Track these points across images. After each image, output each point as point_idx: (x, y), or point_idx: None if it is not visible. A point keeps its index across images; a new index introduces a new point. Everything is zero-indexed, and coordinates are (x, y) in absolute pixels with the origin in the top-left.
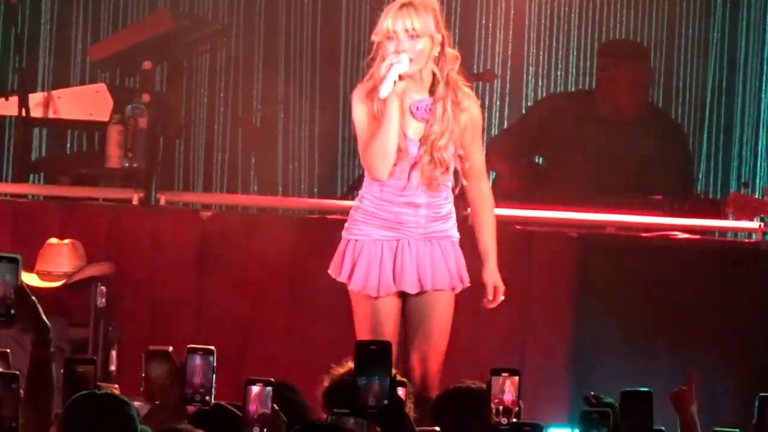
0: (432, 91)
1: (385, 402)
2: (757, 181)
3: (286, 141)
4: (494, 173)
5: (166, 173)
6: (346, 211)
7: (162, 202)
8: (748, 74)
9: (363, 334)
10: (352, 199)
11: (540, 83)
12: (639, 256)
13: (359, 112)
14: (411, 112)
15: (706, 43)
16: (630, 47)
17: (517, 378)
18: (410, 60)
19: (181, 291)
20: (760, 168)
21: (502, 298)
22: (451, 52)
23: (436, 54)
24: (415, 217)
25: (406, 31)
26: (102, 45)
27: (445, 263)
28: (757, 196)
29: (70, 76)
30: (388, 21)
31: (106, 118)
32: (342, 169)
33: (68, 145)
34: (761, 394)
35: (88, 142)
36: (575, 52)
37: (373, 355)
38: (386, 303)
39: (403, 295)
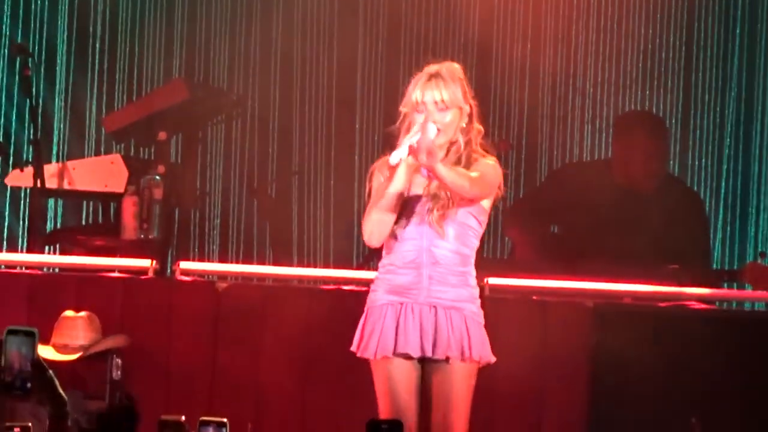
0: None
1: None
2: None
3: (301, 211)
4: (510, 240)
5: (182, 244)
6: (361, 282)
7: (177, 273)
8: (764, 144)
9: (380, 399)
10: (368, 269)
11: (555, 153)
12: (655, 326)
13: (374, 182)
14: (426, 174)
15: (723, 113)
16: (646, 119)
17: None
18: (438, 131)
19: (196, 362)
20: None
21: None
22: (477, 126)
23: (464, 125)
24: (417, 279)
25: (435, 103)
26: (116, 116)
27: (447, 332)
28: None
29: (85, 147)
30: (416, 92)
31: (121, 189)
32: (357, 239)
33: (83, 216)
34: None
35: (103, 213)
36: (589, 124)
37: None
38: (399, 369)
39: (421, 367)
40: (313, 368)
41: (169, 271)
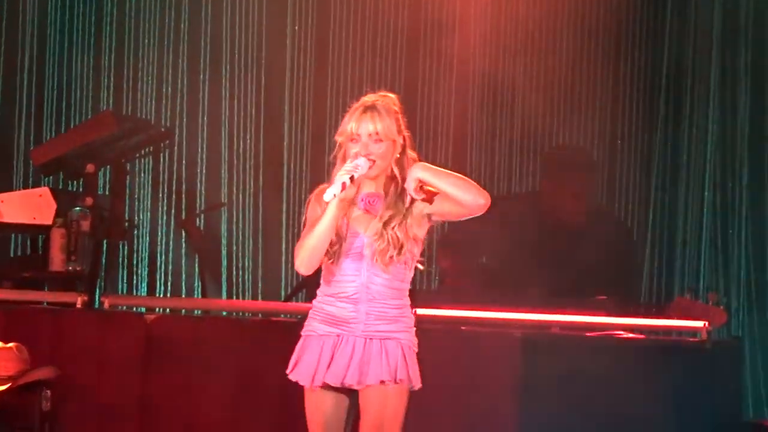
0: (385, 188)
1: None
2: (701, 285)
3: (230, 243)
4: (441, 270)
5: (110, 277)
6: (290, 313)
7: (106, 305)
8: (691, 177)
9: (310, 427)
10: (297, 300)
11: (483, 183)
12: (583, 355)
13: (311, 211)
14: (363, 207)
15: (650, 145)
16: (574, 155)
17: None
18: (372, 162)
19: (126, 393)
20: (703, 267)
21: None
22: (412, 154)
23: (398, 155)
24: (355, 314)
25: (369, 135)
26: (44, 148)
27: (381, 359)
28: (702, 302)
29: (13, 180)
30: (352, 124)
31: (49, 222)
32: (285, 272)
33: (11, 249)
34: None
35: (31, 245)
36: (518, 156)
37: None
38: (331, 398)
39: (355, 395)
40: (244, 399)
41: (97, 303)
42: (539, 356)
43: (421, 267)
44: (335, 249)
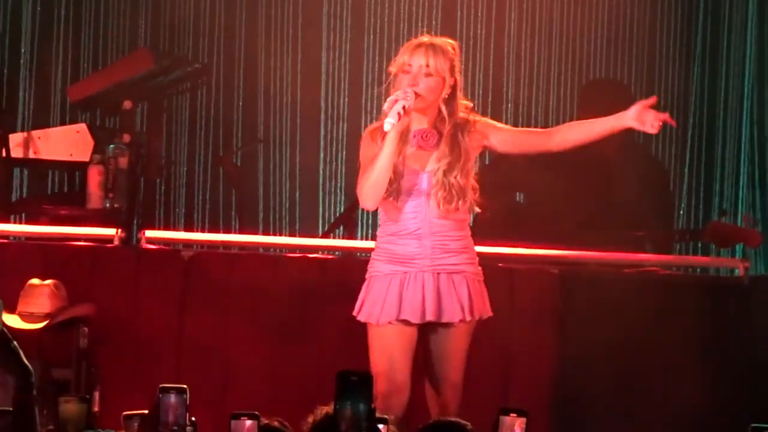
0: (436, 126)
1: (363, 430)
2: (739, 210)
3: (267, 180)
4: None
5: (147, 213)
6: (326, 249)
7: (143, 241)
8: (729, 107)
9: (377, 360)
10: (333, 237)
11: (520, 116)
12: (621, 292)
13: (365, 149)
14: (416, 143)
15: (687, 80)
16: (611, 86)
17: (524, 419)
18: (417, 95)
19: (163, 331)
20: (742, 197)
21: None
22: (465, 102)
23: (446, 96)
24: (420, 250)
25: (420, 67)
26: (81, 85)
27: (451, 297)
28: (738, 224)
29: (50, 117)
30: (405, 55)
31: (86, 159)
32: (323, 208)
33: (49, 186)
34: (753, 425)
35: (69, 182)
36: (555, 89)
37: (353, 385)
38: (397, 332)
39: (420, 328)
40: (281, 335)
41: (135, 239)
42: (576, 292)
43: (478, 210)
44: (393, 187)
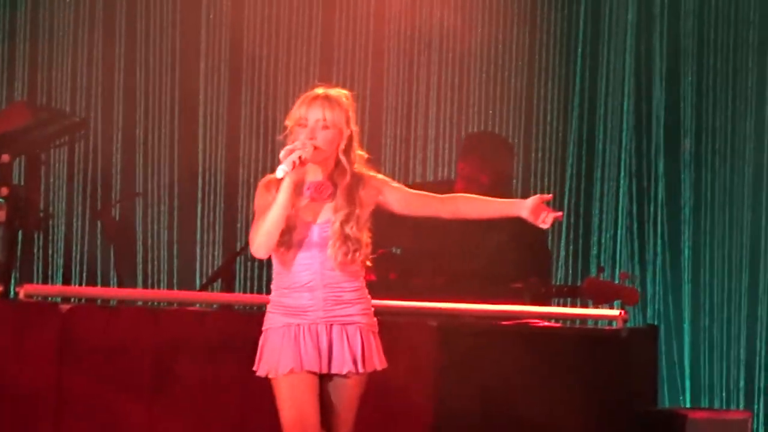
0: (331, 178)
1: None
2: (616, 267)
3: (146, 233)
4: None
5: (25, 267)
6: (204, 302)
7: (21, 295)
8: (606, 163)
9: (286, 412)
10: (212, 290)
11: (398, 173)
12: (499, 344)
13: (260, 198)
14: (310, 195)
15: (564, 133)
16: (492, 142)
17: None
18: (315, 148)
19: (42, 385)
20: (619, 255)
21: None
22: (359, 152)
23: (343, 147)
24: (313, 302)
25: (317, 121)
26: None
27: (343, 348)
28: (615, 281)
29: None
30: (302, 109)
31: None
32: (200, 261)
33: None
34: None
35: None
36: (433, 143)
37: None
38: (300, 380)
39: (320, 379)
40: (160, 387)
41: (12, 293)
42: (454, 345)
43: (369, 264)
44: (285, 238)
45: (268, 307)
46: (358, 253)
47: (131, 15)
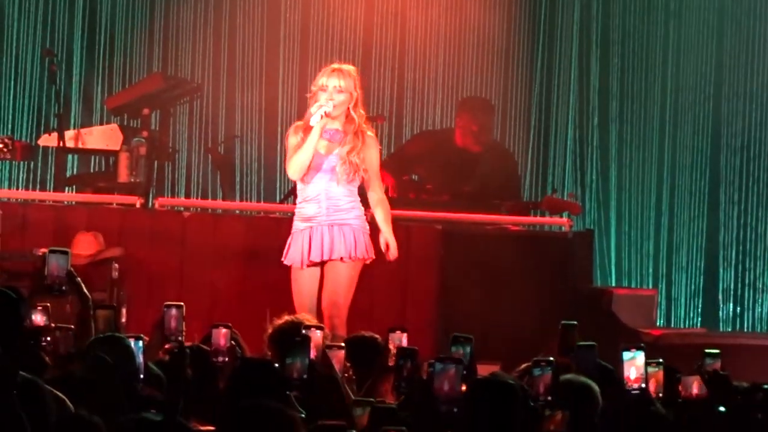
0: (345, 129)
1: (305, 376)
2: (565, 188)
3: (242, 163)
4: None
5: (159, 186)
6: (284, 212)
7: (156, 205)
8: (559, 118)
9: (294, 294)
10: (287, 203)
11: (415, 123)
12: (485, 242)
13: (291, 140)
14: (328, 138)
15: (530, 92)
16: (479, 103)
17: (405, 333)
18: (334, 105)
19: (169, 268)
20: (567, 180)
21: (395, 253)
22: (360, 111)
23: (352, 105)
24: (319, 209)
25: (335, 87)
26: (114, 97)
27: (341, 240)
28: (564, 198)
29: (93, 119)
30: (323, 78)
31: (117, 148)
32: (280, 183)
33: (92, 166)
34: (563, 322)
35: (105, 164)
36: (440, 104)
37: (298, 345)
38: (307, 272)
39: (321, 267)
40: (250, 271)
41: (150, 204)
42: (453, 242)
43: (365, 176)
44: (308, 166)
45: (294, 216)
46: (356, 174)
47: (233, 16)
